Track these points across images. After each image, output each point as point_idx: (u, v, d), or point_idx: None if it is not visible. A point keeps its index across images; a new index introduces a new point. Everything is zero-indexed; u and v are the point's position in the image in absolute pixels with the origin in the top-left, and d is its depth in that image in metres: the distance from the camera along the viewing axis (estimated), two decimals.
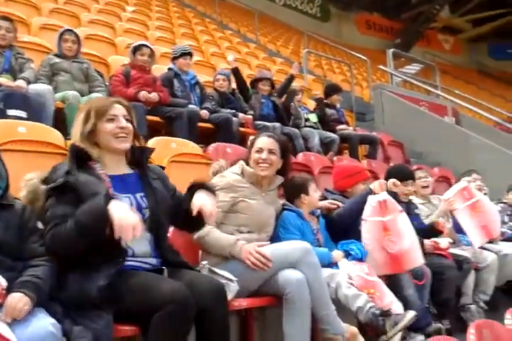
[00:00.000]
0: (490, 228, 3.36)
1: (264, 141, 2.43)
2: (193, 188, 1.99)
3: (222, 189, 2.30)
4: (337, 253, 2.58)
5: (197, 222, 1.95)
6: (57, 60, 3.73)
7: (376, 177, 4.27)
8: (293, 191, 2.70)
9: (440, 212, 3.41)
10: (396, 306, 2.43)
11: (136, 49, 4.06)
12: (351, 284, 2.38)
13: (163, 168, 2.18)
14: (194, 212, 1.86)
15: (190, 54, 4.49)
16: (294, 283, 2.08)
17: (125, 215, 1.61)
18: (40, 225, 1.74)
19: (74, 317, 1.60)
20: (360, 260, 2.54)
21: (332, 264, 2.53)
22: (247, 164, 2.42)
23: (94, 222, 1.62)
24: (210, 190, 2.00)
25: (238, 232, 2.30)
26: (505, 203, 4.39)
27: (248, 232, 2.33)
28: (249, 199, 2.33)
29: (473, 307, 3.30)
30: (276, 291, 2.13)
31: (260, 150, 2.40)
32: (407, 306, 2.52)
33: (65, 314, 1.62)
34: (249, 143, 2.54)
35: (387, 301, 2.43)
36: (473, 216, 3.31)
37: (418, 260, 2.72)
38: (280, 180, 2.48)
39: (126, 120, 1.89)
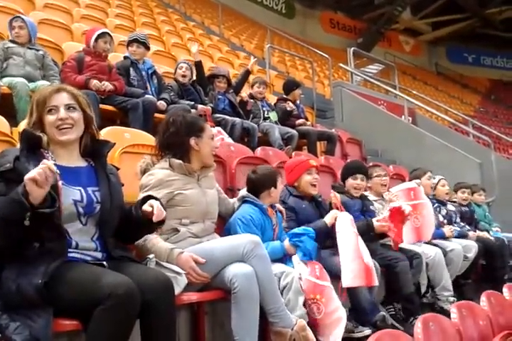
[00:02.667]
0: (422, 232, 3.47)
1: (211, 129, 2.45)
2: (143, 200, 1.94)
3: (153, 187, 2.22)
4: (288, 246, 2.54)
5: (147, 224, 1.90)
6: (11, 44, 3.66)
7: (333, 174, 4.33)
8: (263, 183, 2.66)
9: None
10: (340, 313, 2.43)
11: (99, 36, 3.97)
12: (300, 287, 2.38)
13: (117, 169, 2.10)
14: (149, 209, 1.83)
15: (137, 41, 4.32)
16: (241, 277, 2.05)
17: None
18: None
19: (11, 314, 1.54)
20: (310, 258, 2.51)
21: (286, 256, 2.52)
22: (181, 156, 2.32)
23: (12, 212, 1.51)
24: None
25: (181, 225, 2.25)
26: (454, 202, 4.52)
27: (192, 223, 2.27)
28: (184, 191, 2.26)
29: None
30: (225, 285, 2.10)
31: (213, 138, 2.45)
32: (354, 301, 2.57)
33: (2, 309, 1.55)
34: (182, 129, 2.38)
35: (332, 308, 2.43)
36: (410, 216, 3.39)
37: None
38: (214, 166, 2.47)
39: (70, 108, 1.81)
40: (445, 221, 4.13)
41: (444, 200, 4.38)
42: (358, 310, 2.72)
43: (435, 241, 3.76)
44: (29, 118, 1.80)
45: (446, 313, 2.44)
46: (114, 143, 1.99)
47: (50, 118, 1.79)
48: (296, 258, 2.53)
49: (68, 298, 1.57)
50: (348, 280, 2.62)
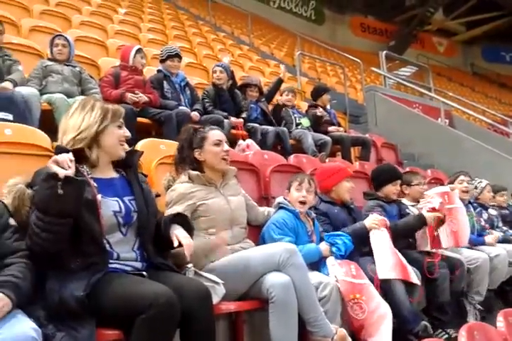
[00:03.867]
0: (459, 236, 3.38)
1: (218, 134, 2.43)
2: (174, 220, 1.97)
3: (176, 202, 2.25)
4: (324, 248, 2.55)
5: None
6: (49, 62, 3.79)
7: (368, 179, 4.26)
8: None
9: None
10: (383, 308, 2.41)
11: (137, 52, 4.12)
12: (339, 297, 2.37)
13: (145, 175, 2.15)
14: (175, 244, 1.86)
15: (177, 56, 4.45)
16: (279, 287, 2.05)
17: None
18: (12, 221, 1.70)
19: (57, 324, 1.58)
20: (343, 256, 2.50)
21: (322, 259, 2.52)
22: (195, 168, 2.36)
23: (44, 190, 1.58)
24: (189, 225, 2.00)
25: (208, 235, 2.26)
26: (493, 205, 4.38)
27: (219, 232, 2.28)
28: (206, 201, 2.28)
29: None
30: (262, 295, 2.10)
31: (220, 143, 2.40)
32: (395, 310, 2.50)
33: (48, 319, 1.59)
34: (185, 143, 2.44)
35: (374, 304, 2.40)
36: (446, 220, 3.32)
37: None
38: (233, 170, 2.47)
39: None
40: (487, 225, 4.01)
41: (485, 204, 4.26)
42: (400, 319, 2.65)
43: (478, 247, 3.64)
44: (99, 124, 1.83)
45: None
46: (142, 152, 2.03)
47: (120, 131, 1.88)
48: (330, 260, 2.52)
49: (110, 309, 1.60)
50: (383, 273, 2.60)
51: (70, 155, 1.61)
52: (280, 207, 2.66)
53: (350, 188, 3.01)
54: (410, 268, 2.73)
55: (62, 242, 1.63)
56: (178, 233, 1.89)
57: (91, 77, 4.01)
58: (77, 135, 1.80)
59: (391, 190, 3.33)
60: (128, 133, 1.91)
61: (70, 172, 1.59)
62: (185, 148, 2.41)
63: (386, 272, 2.61)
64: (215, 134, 2.42)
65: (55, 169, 1.57)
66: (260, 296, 2.13)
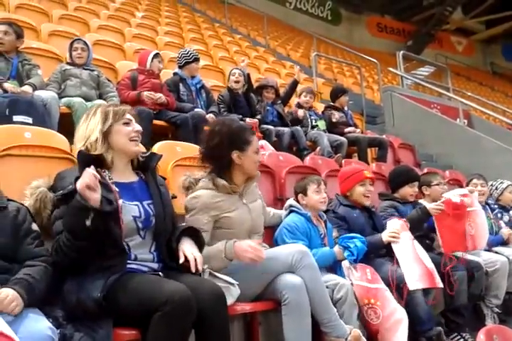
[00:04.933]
0: (476, 239, 3.33)
1: (258, 141, 2.37)
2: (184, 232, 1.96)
3: (199, 211, 2.17)
4: (338, 251, 2.52)
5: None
6: (68, 67, 3.85)
7: (386, 181, 4.23)
8: (295, 190, 2.75)
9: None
10: (399, 314, 2.38)
11: (155, 56, 4.18)
12: (355, 299, 2.35)
13: (164, 178, 2.16)
14: (181, 260, 1.84)
15: (196, 60, 4.50)
16: (291, 289, 2.06)
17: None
18: (35, 227, 1.74)
19: (75, 324, 1.61)
20: (355, 260, 2.48)
21: (338, 262, 2.51)
22: (223, 168, 2.25)
23: (75, 217, 1.60)
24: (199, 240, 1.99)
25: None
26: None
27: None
28: (230, 213, 2.20)
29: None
30: (275, 296, 2.11)
31: (259, 151, 2.34)
32: (413, 320, 2.48)
33: (67, 319, 1.63)
34: (225, 140, 2.24)
35: (389, 310, 2.38)
36: (464, 223, 3.27)
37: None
38: (259, 176, 2.42)
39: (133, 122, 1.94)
40: (508, 227, 3.94)
41: (507, 206, 4.18)
42: (414, 319, 2.62)
43: (496, 249, 3.59)
44: (102, 125, 1.86)
45: None
46: (161, 155, 2.04)
47: (126, 128, 1.89)
48: (346, 263, 2.50)
49: (127, 307, 1.63)
50: (412, 284, 2.55)
51: (94, 171, 1.60)
52: (291, 211, 2.64)
53: (366, 192, 2.93)
54: (436, 273, 2.67)
55: (89, 257, 1.67)
56: (185, 248, 1.87)
57: (108, 80, 4.07)
58: (85, 142, 1.84)
59: (408, 191, 3.31)
60: (138, 128, 1.91)
61: (98, 194, 1.59)
62: (223, 145, 2.21)
63: (415, 282, 2.56)
64: (257, 141, 2.34)
65: (88, 196, 1.56)
66: (273, 297, 2.13)
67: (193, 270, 1.80)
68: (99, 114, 1.88)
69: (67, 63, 3.94)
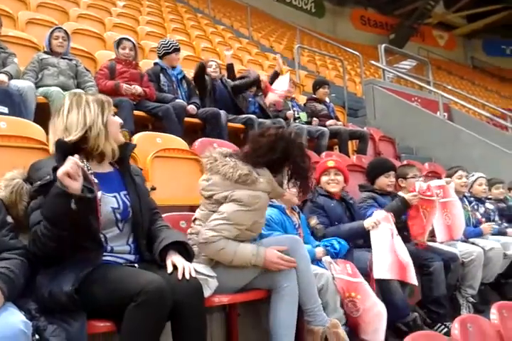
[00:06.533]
0: (453, 229, 3.40)
1: None
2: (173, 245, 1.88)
3: (253, 210, 2.11)
4: (318, 250, 2.57)
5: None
6: (45, 56, 3.78)
7: (365, 172, 4.26)
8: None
9: None
10: (379, 307, 2.42)
11: (119, 43, 4.10)
12: (335, 288, 2.38)
13: (141, 169, 2.15)
14: (169, 270, 1.77)
15: (175, 50, 4.42)
16: (286, 275, 2.09)
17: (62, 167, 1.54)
18: (9, 219, 1.71)
19: (48, 316, 1.58)
20: (337, 255, 2.52)
21: (314, 260, 2.51)
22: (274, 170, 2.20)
23: (56, 205, 1.55)
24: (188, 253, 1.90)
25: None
26: (490, 199, 4.38)
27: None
28: (264, 219, 2.25)
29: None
30: (270, 285, 2.13)
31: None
32: (390, 308, 2.50)
33: (40, 312, 1.59)
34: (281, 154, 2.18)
35: (369, 303, 2.41)
36: (441, 214, 3.33)
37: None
38: None
39: None
40: (483, 219, 4.02)
41: (482, 198, 4.25)
42: (390, 307, 2.66)
43: (472, 240, 3.66)
44: (102, 116, 1.82)
45: None
46: (135, 145, 2.02)
47: (117, 119, 1.89)
48: (327, 259, 2.53)
49: (102, 299, 1.61)
50: (379, 273, 2.61)
51: (78, 160, 1.56)
52: None
53: (329, 181, 3.02)
54: (411, 268, 2.72)
55: (67, 247, 1.64)
56: (174, 259, 1.81)
57: (87, 70, 4.00)
58: (87, 132, 1.77)
59: (384, 181, 3.38)
60: (121, 120, 1.92)
61: (80, 183, 1.55)
62: (289, 162, 2.20)
63: (382, 272, 2.62)
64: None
65: (68, 184, 1.52)
66: (262, 286, 2.16)
67: (180, 277, 1.74)
68: (94, 104, 1.83)
69: (45, 52, 3.87)
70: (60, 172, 1.52)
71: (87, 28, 5.33)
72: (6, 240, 1.66)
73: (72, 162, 1.53)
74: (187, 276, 1.73)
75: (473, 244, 3.57)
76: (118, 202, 1.81)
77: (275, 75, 5.38)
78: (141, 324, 1.55)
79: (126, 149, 1.92)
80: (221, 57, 6.54)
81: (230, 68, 5.05)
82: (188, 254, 1.87)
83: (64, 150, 1.72)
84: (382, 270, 2.62)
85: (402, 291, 2.74)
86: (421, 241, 3.17)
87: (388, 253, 2.67)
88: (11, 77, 3.24)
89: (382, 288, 2.66)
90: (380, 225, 2.78)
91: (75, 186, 1.53)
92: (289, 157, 2.17)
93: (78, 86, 3.79)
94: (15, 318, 1.45)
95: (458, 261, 3.25)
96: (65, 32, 3.94)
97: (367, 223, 2.81)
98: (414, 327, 2.64)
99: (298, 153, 2.19)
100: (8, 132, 2.67)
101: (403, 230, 3.12)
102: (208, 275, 1.94)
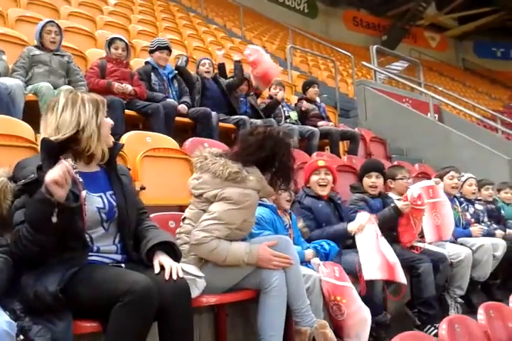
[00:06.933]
0: (442, 230, 3.41)
1: None
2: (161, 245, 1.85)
3: (243, 209, 2.11)
4: (308, 252, 2.57)
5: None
6: (37, 51, 3.67)
7: (356, 173, 4.27)
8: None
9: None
10: (364, 312, 2.42)
11: (111, 42, 4.05)
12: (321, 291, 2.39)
13: (129, 169, 2.13)
14: (156, 270, 1.75)
15: (167, 48, 4.42)
16: (275, 276, 2.09)
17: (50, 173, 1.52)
18: None
19: (33, 317, 1.56)
20: (327, 256, 2.53)
21: (303, 262, 2.51)
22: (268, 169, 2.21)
23: (38, 211, 1.53)
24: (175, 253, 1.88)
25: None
26: (479, 200, 4.41)
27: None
28: (254, 218, 2.25)
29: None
30: (258, 285, 2.12)
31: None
32: (374, 310, 2.52)
33: (25, 312, 1.58)
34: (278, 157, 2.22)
35: (354, 308, 2.42)
36: (430, 214, 3.34)
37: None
38: None
39: None
40: (473, 220, 4.04)
41: (472, 199, 4.28)
42: (369, 304, 2.64)
43: (461, 240, 3.68)
44: (96, 117, 1.79)
45: None
46: (123, 145, 2.01)
47: (109, 120, 1.87)
48: (316, 261, 2.53)
49: (88, 299, 1.60)
50: (369, 273, 2.61)
51: (70, 166, 1.53)
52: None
53: (320, 181, 3.00)
54: (399, 267, 2.73)
55: (49, 251, 1.62)
56: (161, 259, 1.79)
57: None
58: (79, 132, 1.75)
59: (367, 182, 3.35)
60: (112, 122, 1.90)
61: (66, 190, 1.52)
62: (276, 160, 2.20)
63: (372, 273, 2.62)
64: None
65: (54, 191, 1.50)
66: (251, 286, 2.16)
67: (167, 277, 1.71)
68: (89, 104, 1.80)
69: (36, 46, 3.74)
70: (48, 178, 1.50)
71: (78, 26, 5.29)
72: None
73: (63, 169, 1.51)
74: (174, 277, 1.71)
75: (461, 244, 3.59)
76: (103, 202, 1.80)
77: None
78: (127, 324, 1.54)
79: (113, 149, 1.91)
80: (213, 57, 6.53)
81: (221, 68, 5.05)
82: (175, 254, 1.85)
83: (49, 149, 1.69)
84: (372, 270, 2.63)
85: (385, 289, 2.75)
86: (414, 246, 3.18)
87: (375, 254, 2.67)
88: None
89: (367, 285, 2.66)
90: (365, 227, 2.78)
91: (60, 193, 1.52)
92: (276, 155, 2.19)
93: (69, 84, 3.73)
94: None
95: (446, 261, 3.27)
96: (58, 26, 3.82)
97: (351, 227, 2.81)
98: (382, 327, 2.68)
99: (285, 151, 2.21)
100: None
101: (391, 230, 3.14)
102: (196, 276, 1.93)
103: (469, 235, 3.82)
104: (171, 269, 1.74)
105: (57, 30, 3.80)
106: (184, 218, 2.26)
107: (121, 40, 4.08)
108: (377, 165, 3.48)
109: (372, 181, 3.33)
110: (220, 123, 4.27)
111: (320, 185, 3.00)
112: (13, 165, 1.82)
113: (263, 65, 4.51)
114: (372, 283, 2.65)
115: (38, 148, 2.43)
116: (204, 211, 2.14)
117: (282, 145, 2.21)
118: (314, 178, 3.02)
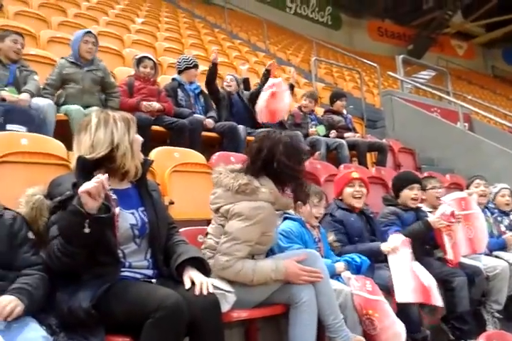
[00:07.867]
0: (475, 242, 3.32)
1: None
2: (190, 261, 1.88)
3: (257, 223, 2.06)
4: (339, 265, 2.53)
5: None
6: (70, 69, 3.66)
7: (385, 185, 4.22)
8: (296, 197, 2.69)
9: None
10: (398, 327, 2.37)
11: (139, 61, 4.12)
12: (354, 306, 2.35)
13: (158, 184, 2.15)
14: (187, 286, 1.77)
15: (195, 66, 4.51)
16: (304, 291, 2.07)
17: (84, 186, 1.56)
18: (31, 235, 1.74)
19: (68, 332, 1.59)
20: (359, 269, 2.48)
21: (334, 276, 2.48)
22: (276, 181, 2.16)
23: (71, 223, 1.57)
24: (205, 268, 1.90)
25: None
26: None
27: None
28: (273, 232, 2.21)
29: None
30: (285, 300, 2.10)
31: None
32: (403, 320, 2.45)
33: (60, 327, 1.61)
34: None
35: (387, 323, 2.36)
36: (463, 227, 3.25)
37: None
38: None
39: None
40: (507, 231, 3.91)
41: (506, 211, 4.15)
42: (405, 321, 2.56)
43: (496, 253, 3.56)
44: (128, 135, 1.83)
45: None
46: (153, 161, 2.03)
47: (139, 138, 1.90)
48: (346, 274, 2.49)
49: (120, 314, 1.62)
50: (402, 296, 2.55)
51: (105, 181, 1.57)
52: (285, 218, 2.62)
53: (355, 193, 2.94)
54: (434, 289, 2.66)
55: (81, 264, 1.65)
56: (192, 275, 1.81)
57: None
58: (113, 150, 1.78)
59: (408, 195, 3.24)
60: (142, 138, 1.93)
61: (98, 204, 1.57)
62: (274, 160, 2.13)
63: (405, 295, 2.56)
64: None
65: (85, 202, 1.54)
66: (281, 301, 2.14)
67: (198, 292, 1.72)
68: (121, 123, 1.84)
69: (69, 61, 3.71)
70: (82, 188, 1.54)
71: (107, 45, 5.43)
72: (28, 256, 1.69)
73: (99, 181, 1.55)
74: (204, 292, 1.72)
75: (497, 257, 3.48)
76: (136, 219, 1.83)
77: (290, 89, 5.36)
78: (159, 340, 1.55)
79: (143, 165, 1.94)
80: (238, 72, 6.59)
81: (245, 82, 5.12)
82: (204, 270, 1.86)
83: (84, 167, 1.74)
84: (405, 293, 2.56)
85: (420, 310, 2.68)
86: (451, 260, 3.10)
87: (409, 277, 2.60)
88: (32, 95, 3.30)
89: (401, 306, 2.60)
90: (399, 250, 2.72)
91: (92, 205, 1.55)
92: (274, 155, 2.12)
93: (105, 98, 3.79)
94: (35, 334, 1.48)
95: (482, 275, 3.17)
96: (95, 37, 3.86)
97: (384, 247, 2.75)
98: None
99: (283, 150, 2.13)
100: (29, 149, 2.71)
101: (425, 244, 3.07)
102: (226, 290, 1.93)
103: (503, 245, 3.71)
104: (201, 284, 1.74)
105: (95, 40, 3.84)
106: (207, 233, 2.26)
107: (149, 58, 4.14)
108: (417, 177, 3.43)
109: (415, 193, 3.24)
110: (247, 137, 4.29)
111: (355, 198, 2.95)
112: (46, 182, 1.87)
113: (280, 103, 4.39)
114: (406, 305, 2.58)
115: (71, 165, 2.49)
116: (222, 226, 2.12)
117: (280, 144, 2.14)
118: (348, 190, 2.96)
